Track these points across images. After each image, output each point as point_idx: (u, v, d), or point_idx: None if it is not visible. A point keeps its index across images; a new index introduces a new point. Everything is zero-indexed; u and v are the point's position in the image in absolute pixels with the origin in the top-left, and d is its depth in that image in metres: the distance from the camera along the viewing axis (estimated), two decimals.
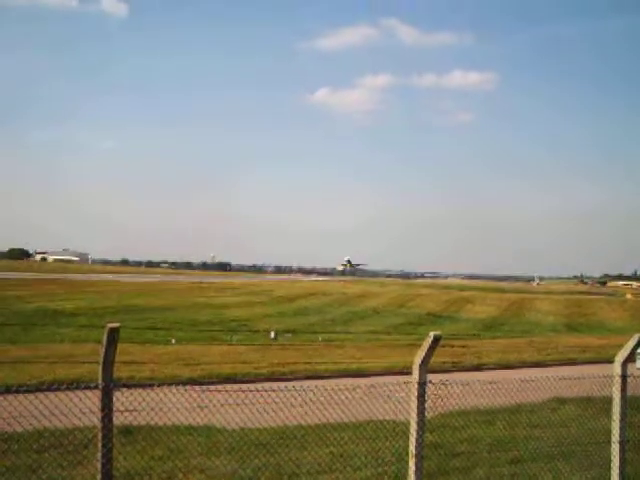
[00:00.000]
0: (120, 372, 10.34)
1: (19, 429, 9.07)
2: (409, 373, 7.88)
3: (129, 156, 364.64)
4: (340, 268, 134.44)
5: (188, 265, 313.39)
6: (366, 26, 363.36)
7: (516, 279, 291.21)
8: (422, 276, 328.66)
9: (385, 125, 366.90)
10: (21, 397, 7.88)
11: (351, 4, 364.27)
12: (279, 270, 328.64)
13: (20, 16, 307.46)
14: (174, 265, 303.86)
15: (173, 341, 38.70)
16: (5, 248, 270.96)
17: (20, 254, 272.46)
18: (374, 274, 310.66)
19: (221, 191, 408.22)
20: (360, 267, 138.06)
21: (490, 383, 9.89)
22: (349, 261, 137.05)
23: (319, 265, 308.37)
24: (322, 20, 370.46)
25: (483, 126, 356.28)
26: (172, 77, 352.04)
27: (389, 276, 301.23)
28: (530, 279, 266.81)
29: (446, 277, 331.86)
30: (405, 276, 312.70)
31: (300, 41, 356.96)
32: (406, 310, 79.86)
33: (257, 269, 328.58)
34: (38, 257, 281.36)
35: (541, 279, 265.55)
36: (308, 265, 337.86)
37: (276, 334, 44.43)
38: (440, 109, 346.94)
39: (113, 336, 6.49)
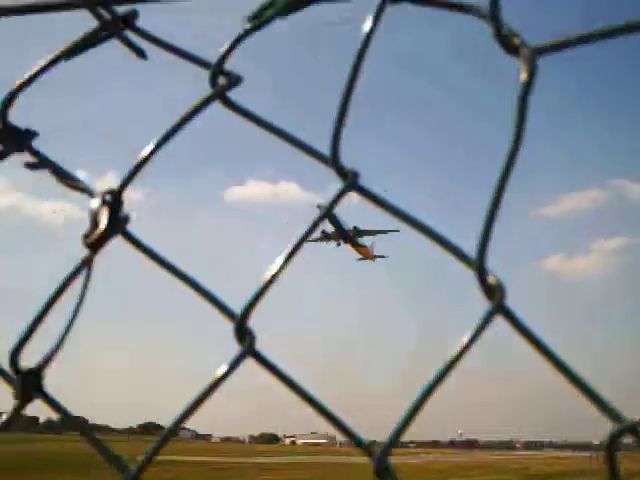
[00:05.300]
0: None
1: None
2: None
3: None
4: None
5: (435, 444, 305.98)
6: (595, 189, 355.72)
7: None
8: None
9: (623, 290, 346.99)
10: None
11: (577, 170, 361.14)
12: (528, 445, 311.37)
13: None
14: (421, 445, 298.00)
15: None
16: (257, 432, 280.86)
17: (270, 438, 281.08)
18: None
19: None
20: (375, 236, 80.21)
21: None
22: (355, 228, 74.37)
23: (556, 438, 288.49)
24: (549, 187, 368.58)
25: None
26: None
27: None
28: None
29: None
30: None
31: (529, 208, 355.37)
32: None
33: (506, 445, 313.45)
34: (287, 441, 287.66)
35: None
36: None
37: None
38: None
39: None
